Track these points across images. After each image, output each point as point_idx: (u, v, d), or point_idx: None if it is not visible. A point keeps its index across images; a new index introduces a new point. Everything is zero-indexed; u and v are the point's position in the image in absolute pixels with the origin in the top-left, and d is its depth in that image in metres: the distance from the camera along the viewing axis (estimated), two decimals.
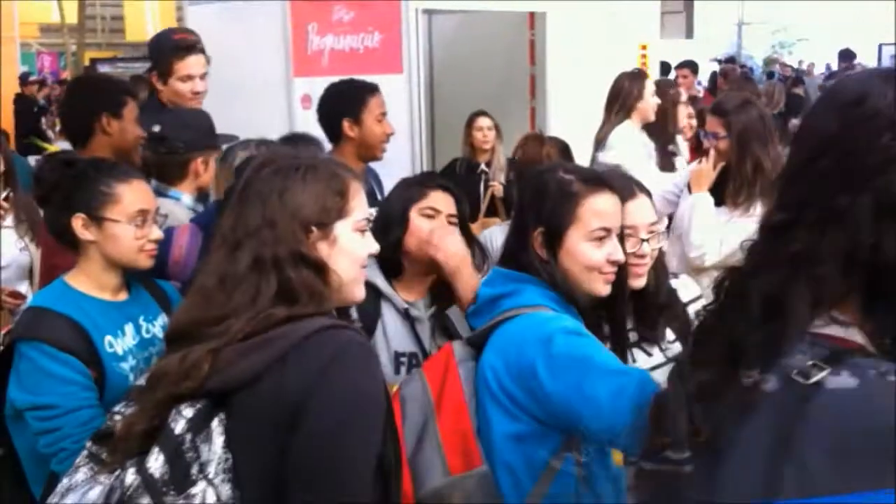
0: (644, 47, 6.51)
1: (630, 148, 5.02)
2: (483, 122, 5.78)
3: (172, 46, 3.88)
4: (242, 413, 1.58)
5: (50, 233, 2.51)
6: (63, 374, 2.28)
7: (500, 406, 2.00)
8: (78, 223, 2.40)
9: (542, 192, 2.14)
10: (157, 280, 2.63)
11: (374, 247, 1.86)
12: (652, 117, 5.28)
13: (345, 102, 3.91)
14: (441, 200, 2.62)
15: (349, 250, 1.78)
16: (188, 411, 1.58)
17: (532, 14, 6.12)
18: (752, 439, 1.13)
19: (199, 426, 1.57)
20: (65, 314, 2.34)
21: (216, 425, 1.57)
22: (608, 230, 2.11)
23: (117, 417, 1.71)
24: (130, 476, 1.55)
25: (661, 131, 5.53)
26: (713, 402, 1.19)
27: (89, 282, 2.45)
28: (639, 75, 5.39)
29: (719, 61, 19.59)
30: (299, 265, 1.67)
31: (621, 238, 2.18)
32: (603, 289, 2.14)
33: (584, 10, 6.03)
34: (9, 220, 3.76)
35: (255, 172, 1.76)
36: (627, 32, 6.39)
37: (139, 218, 2.43)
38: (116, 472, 1.60)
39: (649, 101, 5.25)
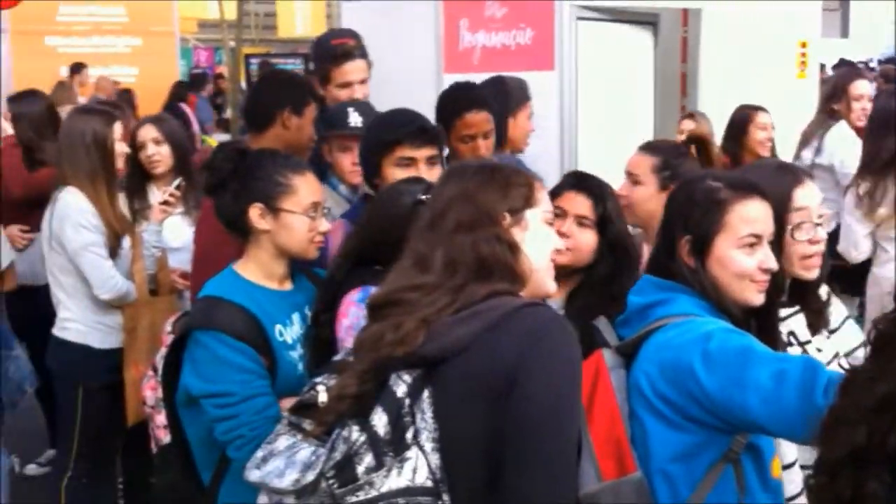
0: (804, 45, 6.29)
1: (849, 150, 4.90)
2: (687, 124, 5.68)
3: (330, 54, 3.86)
4: (453, 382, 1.63)
5: (221, 220, 2.53)
6: (239, 363, 2.31)
7: (656, 412, 1.97)
8: (255, 212, 2.43)
9: (690, 199, 2.11)
10: (317, 269, 2.66)
11: (560, 242, 1.93)
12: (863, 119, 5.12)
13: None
14: (569, 201, 2.59)
15: (540, 238, 1.85)
16: (407, 377, 1.64)
17: (686, 11, 6.00)
18: None
19: (415, 393, 1.62)
20: (238, 303, 2.37)
21: (427, 396, 1.62)
22: (758, 237, 2.07)
23: (320, 388, 1.75)
24: (356, 433, 1.60)
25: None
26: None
27: (258, 271, 2.48)
28: (853, 74, 5.28)
29: (879, 62, 18.78)
30: (494, 246, 1.74)
31: (773, 245, 2.11)
32: (756, 297, 2.08)
33: (741, 7, 5.87)
34: (181, 208, 3.93)
35: (449, 173, 1.90)
36: (786, 30, 6.19)
37: (313, 210, 2.47)
38: (336, 431, 1.64)
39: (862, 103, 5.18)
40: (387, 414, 1.60)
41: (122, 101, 9.25)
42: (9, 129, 4.72)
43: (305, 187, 2.47)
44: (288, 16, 22.50)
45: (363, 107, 3.52)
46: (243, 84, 14.18)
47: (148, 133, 4.14)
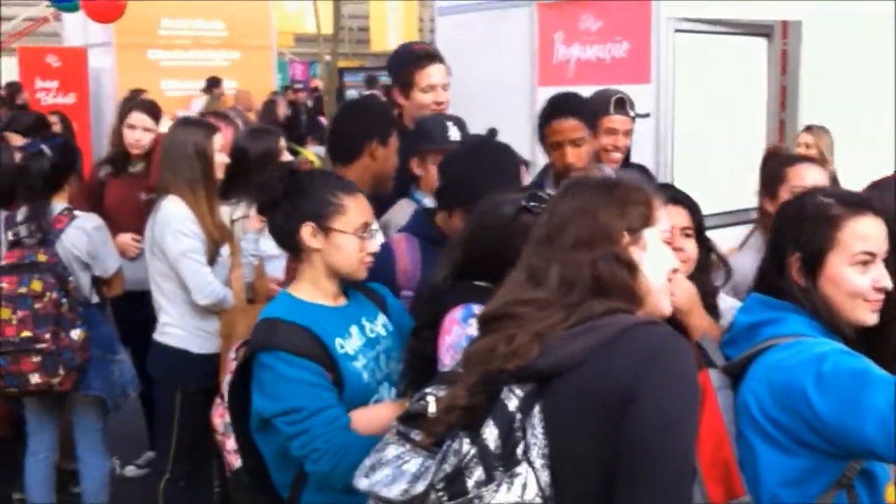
0: None
1: None
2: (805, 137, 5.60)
3: (413, 56, 3.90)
4: (565, 397, 1.60)
5: (274, 239, 2.59)
6: (304, 378, 2.34)
7: (766, 436, 1.92)
8: (307, 231, 2.46)
9: (800, 216, 2.07)
10: (368, 283, 2.66)
11: (677, 262, 1.88)
12: None
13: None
14: (670, 214, 2.55)
15: (658, 258, 1.80)
16: (519, 391, 1.61)
17: (785, 23, 5.87)
18: None
19: (526, 408, 1.60)
20: (295, 322, 2.40)
21: (537, 411, 1.60)
22: (872, 255, 2.01)
23: (429, 398, 1.74)
24: (466, 445, 1.58)
25: None
26: None
27: (312, 290, 2.51)
28: None
29: None
30: (612, 265, 1.71)
31: (888, 263, 2.05)
32: (869, 317, 2.03)
33: (843, 19, 5.72)
34: None
35: (566, 188, 1.84)
36: (888, 42, 6.01)
37: (363, 230, 2.48)
38: (447, 443, 1.63)
39: None
40: (498, 428, 1.58)
41: (238, 115, 9.62)
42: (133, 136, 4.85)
43: (356, 208, 2.49)
44: (381, 30, 22.80)
45: (459, 121, 3.54)
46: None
47: None
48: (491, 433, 1.57)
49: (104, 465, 4.19)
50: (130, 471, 5.08)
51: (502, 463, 1.56)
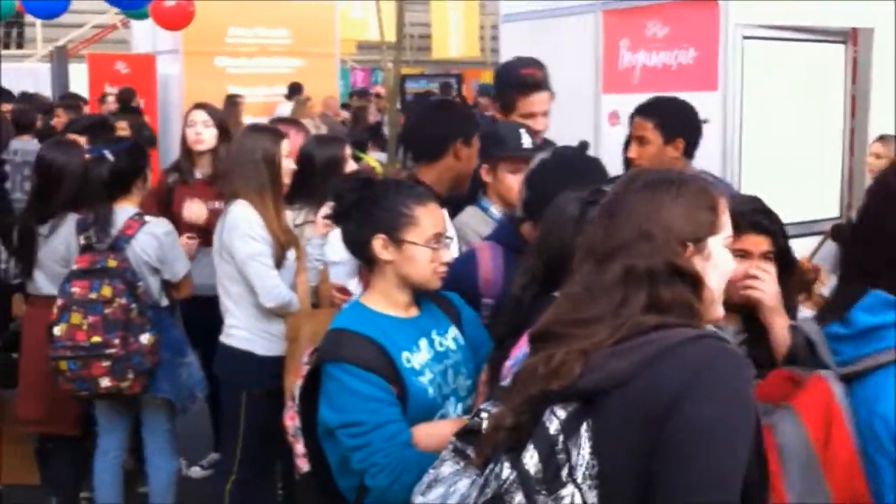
0: None
1: None
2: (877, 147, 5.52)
3: (518, 82, 3.86)
4: (611, 416, 1.57)
5: (347, 248, 2.61)
6: (368, 392, 2.35)
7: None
8: (378, 243, 2.46)
9: None
10: (444, 292, 2.65)
11: (734, 263, 1.81)
12: None
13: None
14: (752, 242, 2.51)
15: (721, 266, 1.74)
16: (561, 412, 1.58)
17: (856, 30, 5.77)
18: None
19: (570, 429, 1.57)
20: (364, 334, 2.40)
21: (584, 430, 1.57)
22: None
23: (484, 415, 1.74)
24: (507, 470, 1.57)
25: None
26: None
27: (383, 300, 2.51)
28: None
29: None
30: (674, 279, 1.64)
31: None
32: None
33: None
34: None
35: (626, 186, 1.75)
36: None
37: (434, 241, 2.47)
38: (490, 466, 1.62)
39: None
40: (538, 452, 1.56)
41: (327, 120, 9.86)
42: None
43: (428, 218, 2.47)
44: (442, 37, 22.87)
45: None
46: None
47: (347, 150, 4.31)
48: (531, 458, 1.56)
49: (172, 465, 4.25)
50: (196, 472, 5.15)
51: (545, 486, 1.54)
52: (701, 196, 1.72)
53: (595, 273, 1.68)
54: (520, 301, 2.37)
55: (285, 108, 12.10)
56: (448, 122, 3.48)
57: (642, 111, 3.75)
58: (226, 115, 5.83)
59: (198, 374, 4.12)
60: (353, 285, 3.86)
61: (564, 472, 1.55)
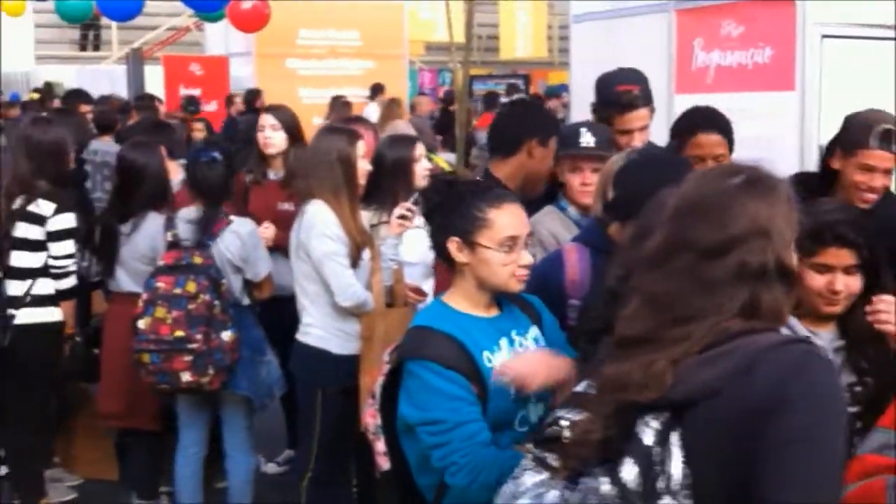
0: None
1: None
2: None
3: (614, 101, 3.79)
4: (702, 425, 1.56)
5: (432, 249, 2.63)
6: (449, 391, 2.36)
7: None
8: (453, 246, 2.48)
9: None
10: (525, 295, 2.64)
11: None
12: None
13: None
14: (834, 256, 2.45)
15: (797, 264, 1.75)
16: (654, 423, 1.58)
17: None
18: None
19: (663, 439, 1.57)
20: (446, 332, 2.41)
21: (675, 440, 1.57)
22: None
23: (563, 422, 1.73)
24: (605, 485, 1.57)
25: None
26: None
27: (464, 300, 2.52)
28: None
29: None
30: (776, 280, 1.64)
31: None
32: None
33: None
34: (418, 221, 4.04)
35: (720, 181, 1.72)
36: None
37: (508, 244, 2.46)
38: (583, 480, 1.62)
39: None
40: (638, 465, 1.56)
41: (420, 121, 9.93)
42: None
43: (501, 220, 2.46)
44: (510, 38, 22.84)
45: (596, 127, 3.51)
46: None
47: (420, 149, 4.31)
48: (630, 472, 1.55)
49: (250, 462, 4.32)
50: (271, 468, 5.22)
51: (643, 500, 1.54)
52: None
53: (699, 267, 1.65)
54: (615, 294, 2.36)
55: (372, 109, 12.19)
56: (526, 120, 3.48)
57: (720, 128, 3.53)
58: (331, 116, 5.87)
59: (276, 373, 4.19)
60: (428, 286, 3.89)
61: (661, 484, 1.55)
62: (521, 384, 2.35)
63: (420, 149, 3.97)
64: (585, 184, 3.31)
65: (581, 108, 6.44)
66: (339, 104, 11.14)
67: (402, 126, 11.52)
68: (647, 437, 1.57)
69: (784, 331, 1.72)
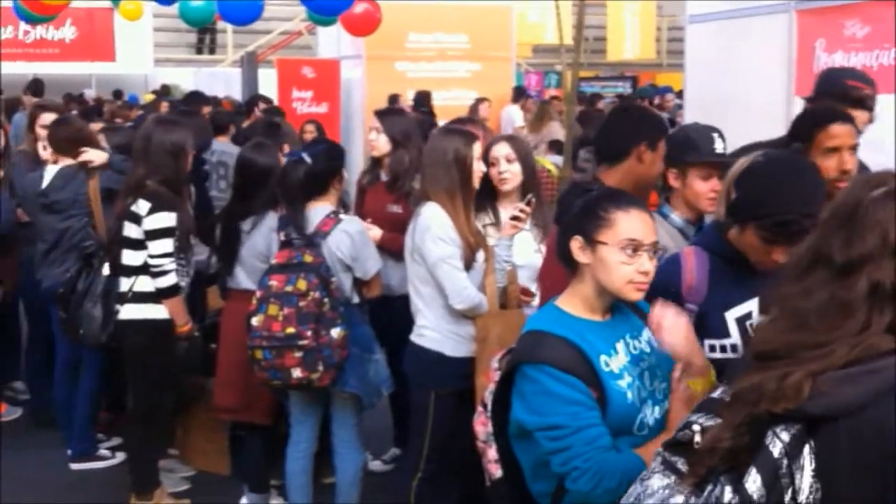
0: None
1: None
2: None
3: (840, 92, 3.62)
4: (840, 441, 1.50)
5: (556, 251, 2.61)
6: (567, 395, 2.34)
7: None
8: (576, 245, 2.47)
9: None
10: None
11: None
12: None
13: None
14: None
15: None
16: (784, 434, 1.53)
17: None
18: None
19: (794, 451, 1.52)
20: (563, 336, 2.40)
21: (807, 452, 1.52)
22: None
23: (696, 427, 1.70)
24: (728, 494, 1.54)
25: None
26: None
27: (581, 304, 2.50)
28: None
29: None
30: None
31: None
32: None
33: None
34: (528, 224, 4.03)
35: (864, 189, 1.64)
36: None
37: (629, 247, 2.42)
38: (708, 488, 1.59)
39: None
40: (761, 476, 1.51)
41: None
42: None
43: (625, 222, 2.43)
44: (618, 39, 22.63)
45: (722, 133, 3.42)
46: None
47: (501, 150, 4.28)
48: (754, 482, 1.51)
49: (359, 458, 4.37)
50: (377, 466, 5.27)
51: None
52: None
53: (833, 286, 1.58)
54: None
55: (514, 112, 12.14)
56: (634, 125, 3.41)
57: (840, 118, 3.37)
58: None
59: (384, 372, 4.22)
60: (534, 289, 3.87)
61: (788, 497, 1.50)
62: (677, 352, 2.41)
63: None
64: (717, 190, 3.22)
65: (695, 110, 6.34)
66: (393, 99, 11.28)
67: (556, 128, 11.53)
68: (776, 449, 1.52)
69: None
